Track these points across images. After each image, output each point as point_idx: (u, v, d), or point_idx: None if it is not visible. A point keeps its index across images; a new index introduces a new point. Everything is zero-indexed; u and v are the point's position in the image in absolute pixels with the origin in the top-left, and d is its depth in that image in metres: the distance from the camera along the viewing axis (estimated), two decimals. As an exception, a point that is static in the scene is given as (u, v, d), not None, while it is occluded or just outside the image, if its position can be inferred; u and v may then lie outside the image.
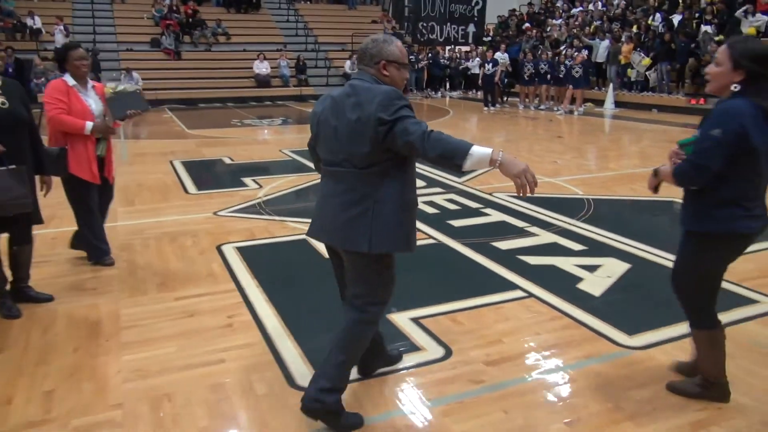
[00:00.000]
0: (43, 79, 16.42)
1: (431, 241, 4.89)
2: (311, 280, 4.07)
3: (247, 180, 7.17)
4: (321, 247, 4.71)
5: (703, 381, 2.65)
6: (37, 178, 3.59)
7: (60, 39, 17.17)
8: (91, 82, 4.08)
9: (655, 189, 2.61)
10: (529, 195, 2.11)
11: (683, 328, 3.29)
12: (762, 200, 2.36)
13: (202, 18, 20.97)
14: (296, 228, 5.21)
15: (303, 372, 2.89)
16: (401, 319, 3.42)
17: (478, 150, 2.10)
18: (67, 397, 2.70)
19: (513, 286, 3.92)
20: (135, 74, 17.02)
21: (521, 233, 5.05)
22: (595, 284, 3.95)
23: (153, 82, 17.60)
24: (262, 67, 19.03)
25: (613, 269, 4.22)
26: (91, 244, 4.26)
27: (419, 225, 5.07)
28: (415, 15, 26.83)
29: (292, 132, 12.72)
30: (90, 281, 4.04)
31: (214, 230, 5.16)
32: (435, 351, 3.11)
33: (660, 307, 3.58)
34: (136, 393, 2.72)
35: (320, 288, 3.93)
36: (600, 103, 15.94)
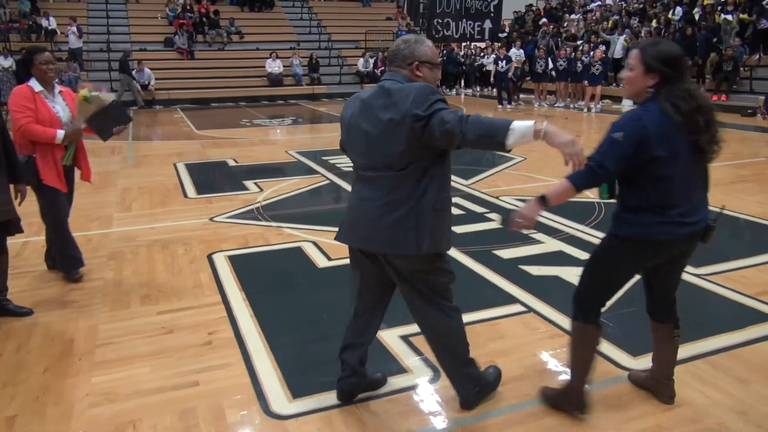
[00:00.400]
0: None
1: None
2: (300, 292, 3.90)
3: (249, 183, 7.02)
4: (315, 256, 4.54)
5: (564, 388, 2.58)
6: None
7: (73, 40, 17.27)
8: (58, 87, 3.91)
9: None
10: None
11: (693, 349, 3.06)
12: (689, 206, 2.26)
13: (216, 17, 20.93)
14: (292, 235, 5.03)
15: (278, 397, 2.71)
16: (389, 337, 3.23)
17: (519, 124, 2.04)
18: (30, 422, 2.56)
19: (512, 300, 3.69)
20: (147, 70, 17.00)
21: (526, 240, 4.81)
22: (600, 298, 3.70)
23: (166, 81, 17.62)
24: (274, 66, 18.93)
25: (620, 281, 3.97)
26: (67, 254, 4.07)
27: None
28: (430, 11, 26.54)
29: (300, 132, 12.58)
30: (72, 293, 3.91)
31: (208, 237, 5.01)
32: (422, 373, 2.91)
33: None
34: (101, 420, 2.57)
35: (309, 300, 3.76)
36: (618, 99, 15.54)
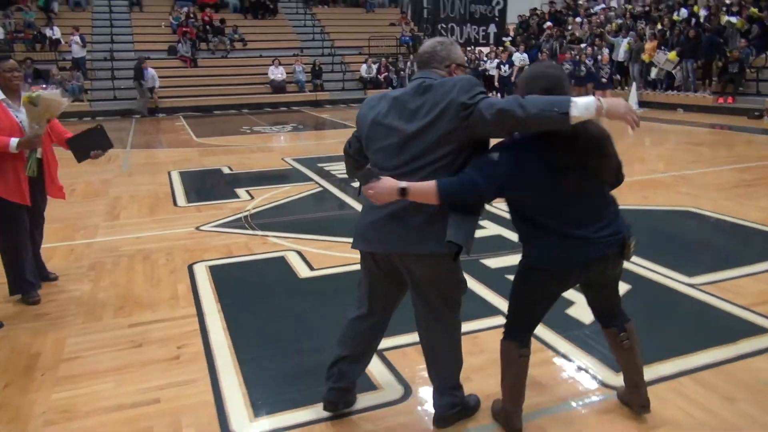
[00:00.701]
0: (60, 90, 16.58)
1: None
2: (277, 304, 3.79)
3: (240, 191, 6.94)
4: (297, 266, 4.44)
5: (500, 407, 2.49)
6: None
7: (76, 49, 17.35)
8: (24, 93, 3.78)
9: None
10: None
11: (679, 365, 2.92)
12: (582, 230, 2.14)
13: (220, 25, 20.98)
14: (277, 244, 4.93)
15: (240, 416, 2.60)
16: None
17: (580, 98, 1.98)
18: (-18, 442, 2.47)
19: (494, 311, 3.56)
20: (151, 70, 16.96)
21: (516, 248, 4.67)
22: (586, 310, 3.49)
23: (169, 90, 17.65)
24: (277, 73, 18.92)
25: (610, 291, 3.83)
26: (15, 275, 3.77)
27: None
28: (434, 16, 26.47)
29: (299, 139, 12.52)
30: (47, 305, 3.82)
31: (192, 247, 4.92)
32: (392, 391, 2.78)
33: (655, 339, 3.19)
34: (54, 439, 2.47)
35: (285, 313, 3.65)
36: (622, 103, 15.34)
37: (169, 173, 8.12)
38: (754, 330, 3.26)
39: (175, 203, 6.51)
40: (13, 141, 3.55)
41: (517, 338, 2.39)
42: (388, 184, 2.08)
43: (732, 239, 5.08)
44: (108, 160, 9.48)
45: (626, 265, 4.26)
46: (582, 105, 1.95)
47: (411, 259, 2.24)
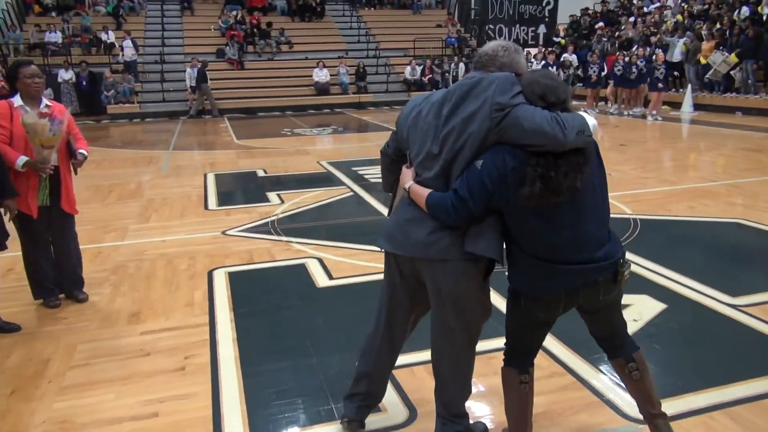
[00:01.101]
0: (113, 92, 17.16)
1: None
2: (291, 315, 3.70)
3: (272, 195, 6.92)
4: (317, 274, 4.35)
5: None
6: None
7: (128, 52, 17.85)
8: (45, 101, 3.74)
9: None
10: None
11: (712, 397, 2.66)
12: (568, 254, 1.97)
13: (267, 28, 21.25)
14: (300, 251, 4.86)
15: (235, 435, 2.51)
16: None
17: (589, 118, 1.99)
18: (-20, 450, 2.46)
19: (515, 330, 3.36)
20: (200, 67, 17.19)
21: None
22: (615, 330, 3.32)
23: (216, 92, 17.94)
24: (321, 75, 18.99)
25: (643, 310, 3.57)
26: (32, 281, 3.85)
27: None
28: (482, 17, 26.07)
29: (338, 142, 12.49)
30: (65, 310, 3.84)
31: (215, 252, 4.90)
32: (397, 413, 2.64)
33: (689, 366, 2.94)
34: (48, 451, 2.44)
35: (298, 324, 3.55)
36: (677, 105, 14.70)
37: (205, 175, 8.20)
38: (800, 360, 2.95)
39: (206, 206, 6.54)
40: (20, 160, 3.46)
41: (516, 365, 2.23)
42: (404, 178, 2.15)
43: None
44: (149, 161, 9.69)
45: (663, 281, 4.03)
46: (592, 124, 1.86)
47: (437, 268, 2.09)
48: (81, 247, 4.11)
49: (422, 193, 2.07)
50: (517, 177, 1.91)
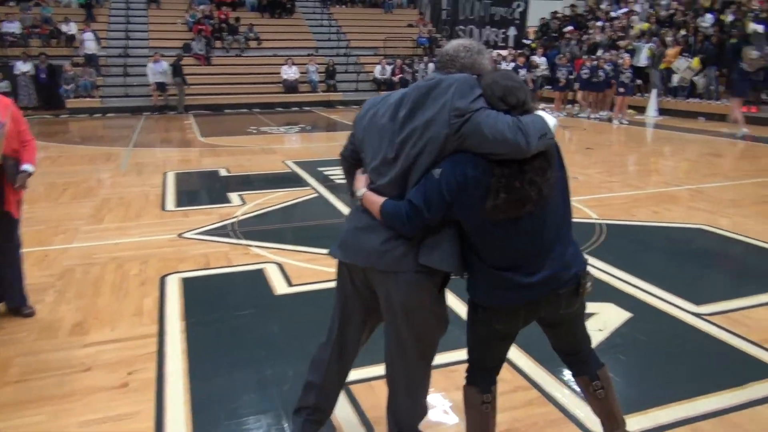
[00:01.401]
0: (72, 85, 16.59)
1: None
2: (246, 324, 3.52)
3: (233, 195, 6.70)
4: (275, 281, 4.18)
5: None
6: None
7: (89, 45, 17.30)
8: None
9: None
10: None
11: (677, 412, 2.59)
12: (530, 265, 1.87)
13: (236, 23, 20.86)
14: (259, 255, 4.67)
15: (177, 460, 2.34)
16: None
17: (549, 118, 1.85)
18: None
19: (478, 341, 3.25)
20: (164, 63, 16.75)
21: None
22: (580, 341, 3.24)
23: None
24: (290, 73, 18.72)
25: (608, 320, 3.50)
26: None
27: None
28: (453, 18, 26.11)
29: (305, 141, 12.28)
30: (3, 318, 3.59)
31: (169, 256, 4.69)
32: (353, 431, 2.50)
33: (655, 380, 2.87)
34: (-31, 480, 2.23)
35: (253, 334, 3.38)
36: (642, 110, 14.90)
37: (164, 174, 7.92)
38: (766, 372, 2.91)
39: (163, 207, 6.29)
40: None
41: (478, 383, 2.11)
42: (357, 183, 2.03)
43: (747, 263, 4.70)
44: (108, 158, 9.35)
45: (628, 288, 3.98)
46: (553, 124, 1.73)
47: (390, 278, 1.96)
48: (27, 249, 3.85)
49: (376, 200, 1.95)
50: (479, 188, 1.79)
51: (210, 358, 3.11)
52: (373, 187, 1.99)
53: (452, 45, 2.01)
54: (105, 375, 2.95)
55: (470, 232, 1.90)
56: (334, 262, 2.15)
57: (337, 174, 7.78)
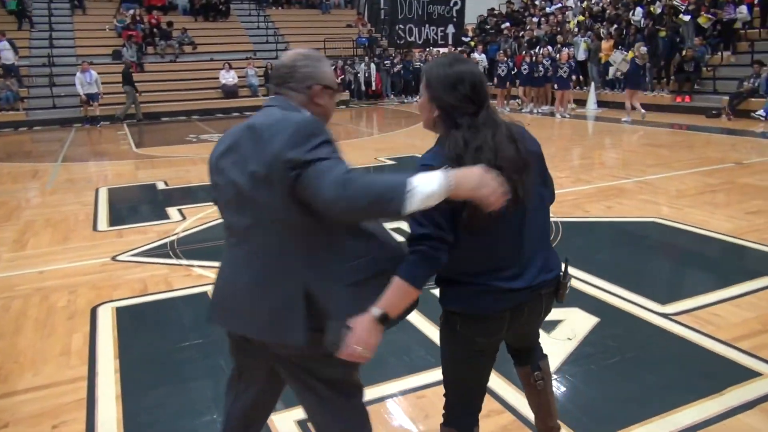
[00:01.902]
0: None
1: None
2: (190, 359, 3.18)
3: (172, 210, 6.28)
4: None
5: None
6: None
7: (8, 55, 16.24)
8: None
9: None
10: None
11: (649, 428, 2.44)
12: (512, 268, 1.74)
13: (168, 28, 20.07)
14: (201, 276, 4.33)
15: None
16: (283, 422, 2.55)
17: (423, 179, 1.44)
18: None
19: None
20: (93, 72, 15.92)
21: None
22: (550, 352, 3.06)
23: (114, 96, 16.66)
24: (228, 77, 18.14)
25: (576, 326, 3.35)
26: None
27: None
28: (392, 17, 26.00)
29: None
30: None
31: (101, 282, 4.28)
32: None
33: (627, 392, 2.72)
34: None
35: (197, 372, 3.05)
36: (582, 103, 15.17)
37: (96, 191, 7.38)
38: (742, 374, 2.81)
39: (95, 227, 5.82)
40: None
41: (458, 424, 1.88)
42: (366, 335, 1.55)
43: (704, 256, 4.68)
44: (34, 175, 8.70)
45: (592, 290, 3.85)
46: (423, 193, 1.43)
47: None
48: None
49: (393, 290, 1.60)
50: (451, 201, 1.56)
51: (147, 404, 2.77)
52: (231, 239, 1.74)
53: (288, 55, 1.77)
54: (25, 431, 2.57)
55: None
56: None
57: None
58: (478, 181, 1.45)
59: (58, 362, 3.18)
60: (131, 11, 20.32)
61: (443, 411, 1.94)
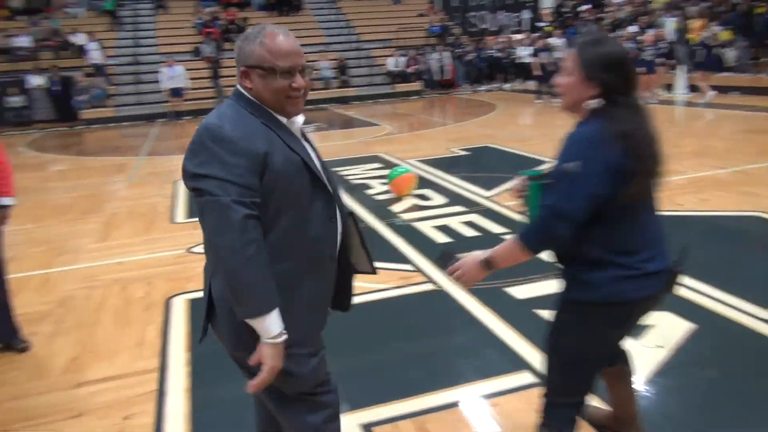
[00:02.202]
0: (86, 96, 16.43)
1: (426, 286, 3.84)
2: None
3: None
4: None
5: None
6: None
7: (95, 55, 17.13)
8: None
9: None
10: None
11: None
12: (653, 250, 1.71)
13: (243, 24, 20.56)
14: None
15: None
16: (348, 426, 2.44)
17: (269, 319, 1.48)
18: None
19: (521, 365, 2.83)
20: (177, 67, 16.44)
21: (547, 272, 3.92)
22: (639, 361, 2.79)
23: (195, 92, 17.25)
24: (302, 70, 18.34)
25: (668, 332, 3.05)
26: None
27: (416, 260, 4.08)
28: (465, 4, 25.41)
29: (324, 140, 11.89)
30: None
31: (176, 274, 4.35)
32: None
33: (732, 402, 2.42)
34: None
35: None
36: (670, 87, 14.22)
37: (174, 183, 7.60)
38: None
39: (172, 219, 5.97)
40: None
41: (564, 425, 1.83)
42: (470, 268, 1.79)
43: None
44: (119, 169, 9.08)
45: (688, 293, 3.51)
46: (260, 324, 1.49)
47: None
48: (27, 273, 3.56)
49: (508, 244, 1.76)
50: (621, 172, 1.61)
51: (216, 398, 2.75)
52: None
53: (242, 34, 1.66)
54: (96, 422, 2.61)
55: (605, 219, 1.65)
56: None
57: (354, 174, 7.41)
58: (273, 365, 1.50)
59: (132, 353, 3.22)
60: (209, 9, 20.98)
61: (543, 410, 1.88)
